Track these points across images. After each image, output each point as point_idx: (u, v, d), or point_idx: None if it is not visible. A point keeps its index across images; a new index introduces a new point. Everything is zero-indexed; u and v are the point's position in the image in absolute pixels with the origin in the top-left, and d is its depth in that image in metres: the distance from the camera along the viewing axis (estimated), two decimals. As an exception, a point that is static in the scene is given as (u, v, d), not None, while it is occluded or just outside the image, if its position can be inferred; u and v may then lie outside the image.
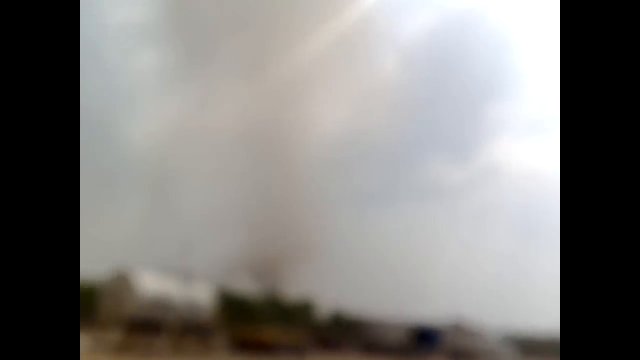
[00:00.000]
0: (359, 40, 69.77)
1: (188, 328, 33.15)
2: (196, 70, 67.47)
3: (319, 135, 70.96)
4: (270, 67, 65.92)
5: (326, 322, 54.31)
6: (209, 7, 65.20)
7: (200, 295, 36.53)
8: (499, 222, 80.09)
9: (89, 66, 51.81)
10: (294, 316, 48.39)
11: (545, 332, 65.19)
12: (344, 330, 53.37)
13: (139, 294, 30.52)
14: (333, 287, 55.73)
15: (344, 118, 75.45)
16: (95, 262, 34.03)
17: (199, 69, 67.34)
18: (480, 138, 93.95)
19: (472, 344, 55.31)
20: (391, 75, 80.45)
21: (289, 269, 60.29)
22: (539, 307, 63.36)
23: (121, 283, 30.65)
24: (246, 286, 52.00)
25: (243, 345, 37.21)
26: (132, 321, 29.72)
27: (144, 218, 56.39)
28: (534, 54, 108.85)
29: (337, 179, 72.80)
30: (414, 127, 79.95)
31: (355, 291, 58.62)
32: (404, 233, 79.33)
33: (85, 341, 26.46)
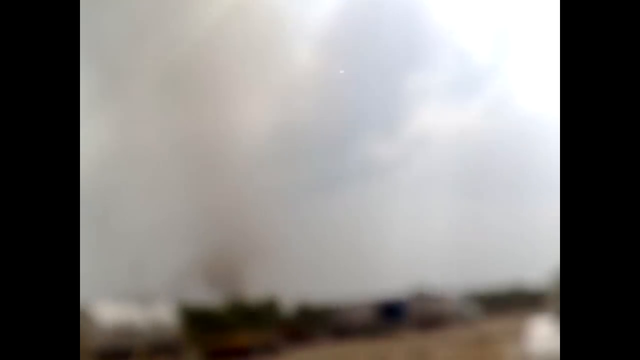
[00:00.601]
0: (269, 32, 69.59)
1: (157, 350, 32.38)
2: (117, 91, 65.65)
3: (248, 132, 70.54)
4: (186, 73, 65.01)
5: (292, 315, 54.18)
6: (118, 23, 63.41)
7: (162, 315, 35.76)
8: (438, 188, 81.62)
9: None
10: (260, 316, 47.98)
11: (503, 285, 67.28)
12: (312, 320, 53.42)
13: (99, 325, 29.57)
14: (293, 280, 55.60)
15: (269, 111, 75.18)
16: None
17: (119, 89, 65.60)
18: (406, 109, 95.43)
19: (438, 309, 56.38)
20: (307, 62, 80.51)
21: (246, 271, 59.79)
22: (495, 263, 65.25)
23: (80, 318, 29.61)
24: (207, 296, 51.23)
25: (215, 355, 36.71)
26: (100, 353, 28.80)
27: (89, 247, 54.58)
28: (444, 18, 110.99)
29: (275, 172, 72.56)
30: (339, 110, 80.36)
31: (316, 280, 58.74)
32: (350, 214, 79.90)
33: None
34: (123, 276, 45.47)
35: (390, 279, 59.35)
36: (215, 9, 66.01)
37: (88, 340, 29.11)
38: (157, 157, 64.11)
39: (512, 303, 61.35)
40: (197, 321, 41.95)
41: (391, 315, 54.61)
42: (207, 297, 50.98)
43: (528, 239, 67.57)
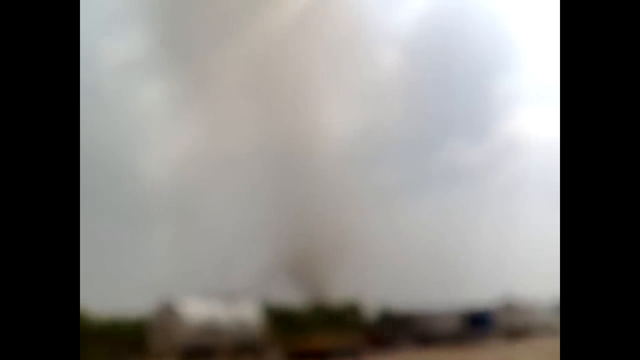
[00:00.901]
0: (355, 35, 69.49)
1: (240, 348, 32.88)
2: (201, 94, 67.57)
3: (334, 135, 70.68)
4: (271, 75, 65.94)
5: (375, 320, 53.67)
6: (200, 29, 65.25)
7: (246, 313, 36.26)
8: (528, 194, 78.63)
9: (91, 108, 52.10)
10: (342, 319, 47.90)
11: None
12: (395, 326, 52.69)
13: (186, 322, 30.36)
14: (377, 284, 55.17)
15: (355, 115, 75.00)
16: (138, 297, 33.99)
17: (203, 92, 67.45)
18: (494, 114, 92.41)
19: (526, 321, 54.41)
20: (393, 66, 79.85)
21: (329, 272, 59.90)
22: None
23: (167, 314, 30.56)
24: (290, 296, 51.67)
25: (297, 356, 36.86)
26: (184, 350, 29.56)
27: (176, 247, 56.41)
28: (531, 23, 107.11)
29: (360, 176, 72.32)
30: (426, 114, 79.03)
31: (400, 285, 57.94)
32: (436, 220, 78.35)
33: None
34: (210, 274, 46.70)
35: (477, 288, 57.76)
36: (300, 12, 66.79)
37: (175, 336, 29.91)
38: (243, 158, 65.41)
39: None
40: (280, 321, 42.36)
41: (478, 325, 53.10)
42: (291, 297, 51.44)
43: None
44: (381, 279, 58.09)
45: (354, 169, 71.28)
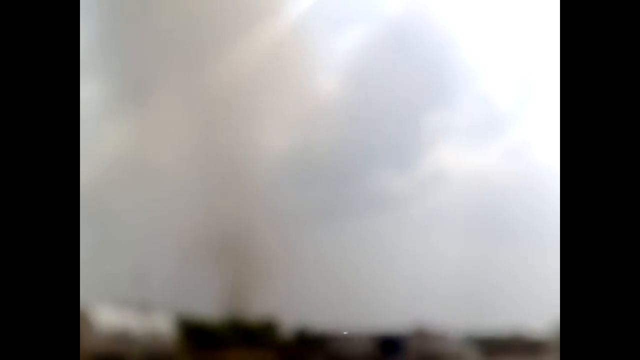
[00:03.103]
0: (291, 56, 70.39)
1: (151, 358, 32.21)
2: (136, 99, 66.45)
3: (266, 155, 70.95)
4: (208, 89, 65.80)
5: (290, 339, 53.70)
6: (145, 35, 64.41)
7: (160, 324, 35.62)
8: (449, 227, 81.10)
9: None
10: (258, 337, 47.65)
11: (505, 330, 66.40)
12: (309, 346, 52.89)
13: (97, 329, 29.51)
14: (295, 304, 55.24)
15: (288, 138, 75.65)
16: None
17: (138, 98, 66.36)
18: (423, 145, 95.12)
19: (437, 348, 55.65)
20: (328, 89, 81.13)
21: (249, 290, 59.53)
22: (497, 307, 64.47)
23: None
24: (207, 310, 50.95)
25: (209, 371, 36.42)
26: (94, 357, 28.70)
27: (93, 252, 54.67)
28: (472, 61, 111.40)
29: (287, 197, 72.67)
30: (356, 139, 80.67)
31: (316, 306, 58.28)
32: (356, 245, 79.56)
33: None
34: (125, 283, 45.50)
35: (392, 313, 58.82)
36: (244, 33, 67.08)
37: (86, 343, 29.02)
38: (172, 169, 64.51)
39: (512, 349, 60.41)
40: (194, 335, 41.75)
41: (390, 350, 54.02)
42: (208, 311, 50.73)
43: (532, 288, 66.98)
44: (300, 299, 58.27)
45: (282, 190, 71.58)
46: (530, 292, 65.89)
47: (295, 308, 55.31)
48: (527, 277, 70.98)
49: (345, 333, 54.46)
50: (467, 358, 56.86)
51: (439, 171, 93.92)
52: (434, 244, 79.72)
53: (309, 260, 67.43)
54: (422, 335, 56.09)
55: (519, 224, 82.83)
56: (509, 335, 66.49)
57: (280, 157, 73.09)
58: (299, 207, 76.09)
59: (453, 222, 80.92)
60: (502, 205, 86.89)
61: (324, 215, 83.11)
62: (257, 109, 69.24)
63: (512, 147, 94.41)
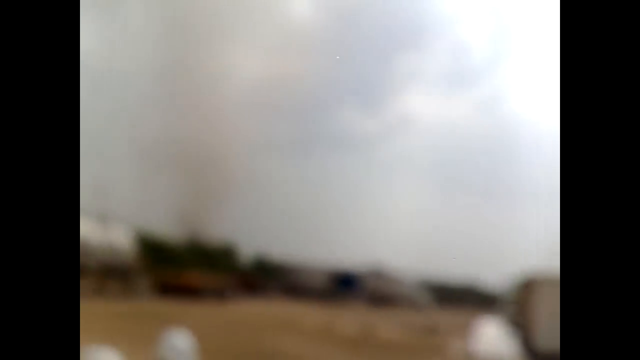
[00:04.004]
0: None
1: (109, 271, 32.01)
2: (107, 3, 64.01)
3: (236, 82, 69.63)
4: (182, 4, 63.87)
5: (248, 266, 54.21)
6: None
7: (118, 237, 35.33)
8: (414, 172, 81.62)
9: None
10: (216, 260, 47.86)
11: (459, 280, 68.19)
12: (266, 274, 53.53)
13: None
14: (255, 232, 55.54)
15: (261, 65, 74.12)
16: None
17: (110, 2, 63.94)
18: (394, 87, 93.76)
19: (391, 289, 57.00)
20: (303, 15, 79.23)
21: (210, 212, 59.48)
22: (453, 256, 65.86)
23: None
24: (168, 229, 50.83)
25: (165, 288, 36.44)
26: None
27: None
28: (451, 8, 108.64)
29: (254, 125, 71.91)
30: (328, 75, 79.55)
31: (275, 236, 58.74)
32: (321, 181, 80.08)
33: None
34: (84, 193, 44.72)
35: (350, 251, 59.72)
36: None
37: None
38: (138, 79, 62.67)
39: (464, 299, 62.08)
40: (153, 252, 41.64)
41: (344, 286, 55.10)
42: (168, 230, 50.57)
43: (492, 241, 68.36)
44: (260, 227, 58.55)
45: (250, 117, 70.80)
46: (489, 245, 67.35)
47: (254, 236, 55.64)
48: (487, 231, 72.43)
49: (302, 265, 55.21)
50: (419, 302, 58.44)
51: (408, 115, 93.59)
52: (398, 188, 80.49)
53: (272, 190, 67.57)
54: (377, 275, 57.27)
55: (484, 173, 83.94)
56: (462, 286, 68.39)
57: (252, 83, 71.87)
58: (267, 136, 75.63)
59: (418, 167, 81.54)
60: (469, 154, 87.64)
61: (291, 147, 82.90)
62: (231, 31, 67.61)
63: (484, 99, 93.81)
